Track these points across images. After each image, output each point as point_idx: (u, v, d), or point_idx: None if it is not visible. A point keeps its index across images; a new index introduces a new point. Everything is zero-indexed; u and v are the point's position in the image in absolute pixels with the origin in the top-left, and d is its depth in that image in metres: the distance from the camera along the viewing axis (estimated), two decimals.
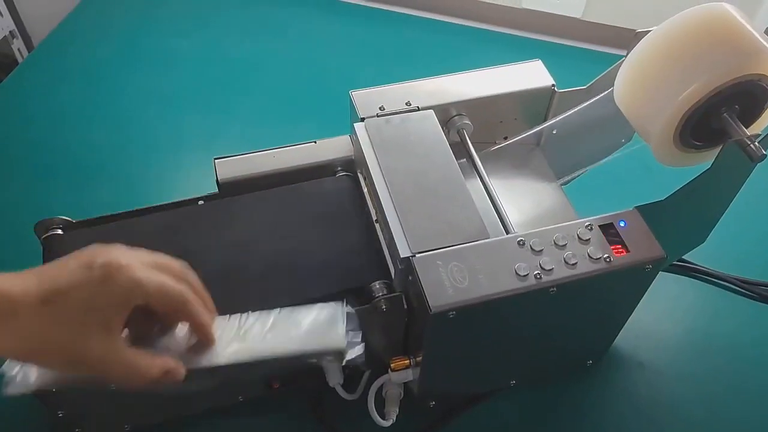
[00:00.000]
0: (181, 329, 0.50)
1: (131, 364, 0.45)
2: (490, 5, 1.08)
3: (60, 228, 0.61)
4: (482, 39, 1.07)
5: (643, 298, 0.59)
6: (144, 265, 0.45)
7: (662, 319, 0.73)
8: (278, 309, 0.53)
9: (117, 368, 0.44)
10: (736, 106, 0.52)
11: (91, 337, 0.43)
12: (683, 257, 0.76)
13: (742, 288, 0.75)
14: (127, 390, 0.46)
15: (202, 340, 0.50)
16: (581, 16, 1.04)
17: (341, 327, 0.53)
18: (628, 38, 0.60)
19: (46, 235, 0.60)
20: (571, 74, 0.69)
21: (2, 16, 1.24)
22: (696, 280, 0.76)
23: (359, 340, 0.54)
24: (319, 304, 0.54)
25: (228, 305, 0.56)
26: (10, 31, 1.26)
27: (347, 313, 0.54)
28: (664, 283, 0.75)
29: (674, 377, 0.68)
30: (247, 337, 0.51)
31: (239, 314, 0.53)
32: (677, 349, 0.71)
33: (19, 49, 1.29)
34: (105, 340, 0.43)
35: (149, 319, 0.48)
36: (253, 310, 0.55)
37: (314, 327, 0.53)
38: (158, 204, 0.63)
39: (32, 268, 0.44)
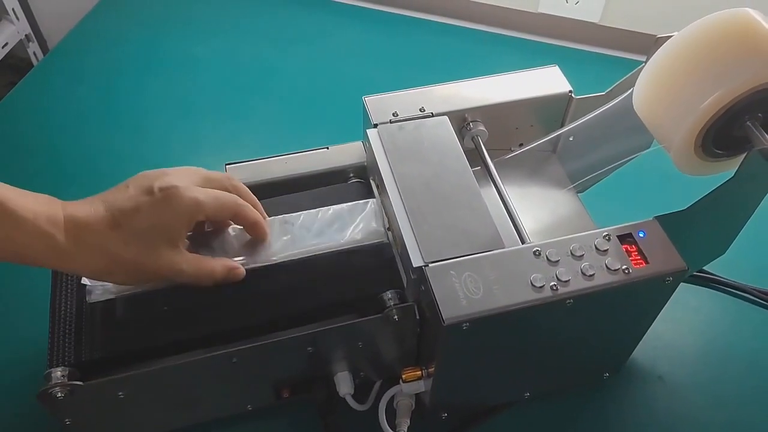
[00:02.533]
0: (232, 233, 0.57)
1: (197, 269, 0.52)
2: (506, 9, 1.07)
3: None
4: (498, 44, 1.06)
5: (662, 309, 0.57)
6: (195, 182, 0.52)
7: (681, 330, 0.71)
8: (318, 210, 0.60)
9: (186, 274, 0.51)
10: (760, 114, 0.51)
11: (160, 252, 0.50)
12: (702, 267, 0.74)
13: (762, 299, 0.73)
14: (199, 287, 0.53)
15: (258, 237, 0.56)
16: (599, 20, 1.03)
17: (379, 221, 0.59)
18: (647, 44, 0.58)
19: None
20: (589, 80, 0.68)
21: (18, 19, 1.25)
22: (715, 291, 0.75)
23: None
24: (355, 203, 0.60)
25: (239, 310, 0.55)
26: (26, 35, 1.27)
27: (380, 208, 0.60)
28: (682, 294, 0.72)
29: (694, 391, 0.66)
30: (294, 233, 0.58)
31: (282, 216, 0.59)
32: (697, 361, 0.69)
33: (34, 53, 1.30)
34: (171, 253, 0.50)
35: (201, 224, 0.56)
36: (265, 318, 0.55)
37: (355, 223, 0.59)
38: None
39: (97, 195, 0.50)
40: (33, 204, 0.47)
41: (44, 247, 0.47)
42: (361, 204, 0.60)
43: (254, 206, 0.56)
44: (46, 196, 0.49)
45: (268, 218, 0.58)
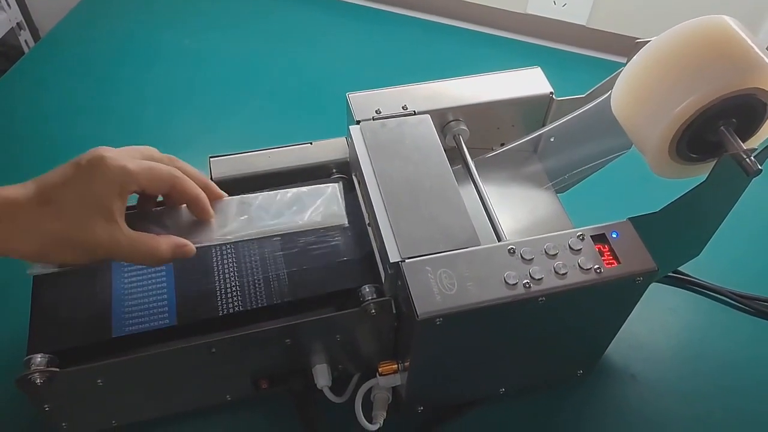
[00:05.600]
0: (185, 212, 0.54)
1: (139, 245, 0.49)
2: (495, 10, 1.08)
3: None
4: (485, 43, 1.07)
5: (637, 309, 0.58)
6: (130, 156, 0.49)
7: (656, 330, 0.72)
8: (277, 192, 0.58)
9: (126, 250, 0.48)
10: (733, 120, 0.52)
11: (94, 225, 0.47)
12: (679, 269, 0.75)
13: (737, 302, 0.74)
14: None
15: (199, 214, 0.53)
16: (586, 23, 1.03)
17: (341, 205, 0.57)
18: (632, 46, 0.59)
19: None
20: (574, 81, 0.68)
21: (10, 7, 1.25)
22: (689, 292, 0.76)
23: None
24: (315, 186, 0.58)
25: (216, 303, 0.56)
26: (18, 23, 1.27)
27: (341, 192, 0.58)
28: (659, 295, 0.74)
29: (666, 389, 0.68)
30: (251, 214, 0.56)
31: (239, 196, 0.56)
32: (669, 360, 0.70)
33: (26, 41, 1.30)
34: (108, 227, 0.47)
35: (150, 203, 0.54)
36: (241, 310, 0.56)
37: (315, 206, 0.57)
38: None
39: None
40: None
41: None
42: (322, 187, 0.58)
43: (206, 187, 0.54)
44: None
45: (225, 198, 0.56)
